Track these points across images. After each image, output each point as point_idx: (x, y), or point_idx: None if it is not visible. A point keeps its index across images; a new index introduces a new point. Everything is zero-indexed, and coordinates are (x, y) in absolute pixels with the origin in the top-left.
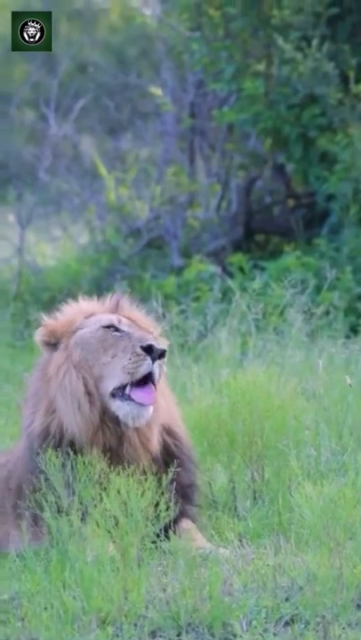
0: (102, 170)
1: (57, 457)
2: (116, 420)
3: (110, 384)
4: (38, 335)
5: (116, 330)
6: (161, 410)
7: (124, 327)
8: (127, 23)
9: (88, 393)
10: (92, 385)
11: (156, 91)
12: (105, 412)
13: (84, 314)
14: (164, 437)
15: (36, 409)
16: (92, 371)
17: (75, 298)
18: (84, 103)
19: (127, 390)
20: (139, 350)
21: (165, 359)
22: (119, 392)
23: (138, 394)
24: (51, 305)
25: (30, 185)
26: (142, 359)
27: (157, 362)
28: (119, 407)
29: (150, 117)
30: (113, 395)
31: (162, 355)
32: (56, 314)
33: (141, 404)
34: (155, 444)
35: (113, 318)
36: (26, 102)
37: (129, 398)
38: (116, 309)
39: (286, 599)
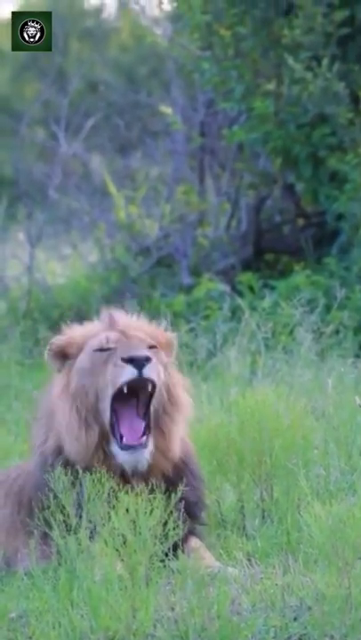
0: (112, 188)
1: (66, 475)
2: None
3: (104, 405)
4: (47, 355)
5: (106, 350)
6: (172, 440)
7: (111, 344)
8: (138, 42)
9: (85, 422)
10: (89, 412)
11: (167, 109)
12: (103, 437)
13: (86, 336)
14: None
15: (50, 427)
16: (88, 398)
17: (84, 316)
18: (95, 122)
19: (118, 428)
20: (119, 362)
21: (173, 357)
22: (112, 430)
23: (126, 430)
24: (60, 323)
25: (40, 203)
26: (121, 367)
27: (148, 366)
28: (117, 453)
29: (160, 136)
30: (113, 434)
31: (146, 359)
32: (63, 334)
33: (134, 448)
34: (166, 466)
35: (102, 339)
36: (36, 120)
37: (121, 441)
38: (110, 326)
39: (295, 619)
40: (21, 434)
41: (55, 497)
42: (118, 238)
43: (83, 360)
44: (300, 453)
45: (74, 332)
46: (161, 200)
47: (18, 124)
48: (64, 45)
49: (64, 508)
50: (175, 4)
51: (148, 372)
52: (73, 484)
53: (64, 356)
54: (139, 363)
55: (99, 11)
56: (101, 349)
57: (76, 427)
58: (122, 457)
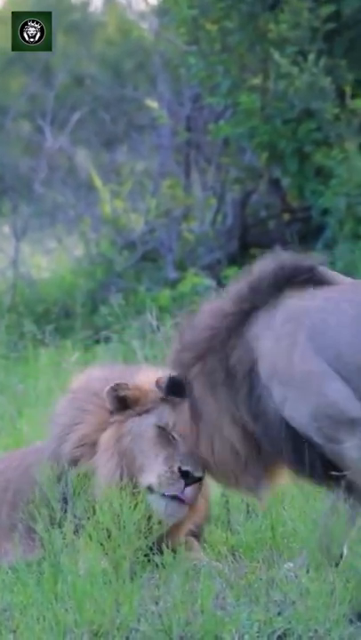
0: (98, 182)
1: (52, 470)
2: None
3: (144, 480)
4: (108, 394)
5: (167, 431)
6: (198, 510)
7: (175, 432)
8: (124, 36)
9: (122, 479)
10: (128, 474)
11: (153, 104)
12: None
13: (151, 396)
14: None
15: (68, 436)
16: (135, 462)
17: (69, 310)
18: (80, 116)
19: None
20: (176, 470)
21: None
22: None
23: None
24: (45, 317)
25: (26, 197)
26: (176, 480)
27: (190, 487)
28: (154, 500)
29: (146, 130)
30: (150, 489)
31: (197, 480)
32: (130, 382)
33: (177, 500)
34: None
35: (166, 418)
36: (22, 114)
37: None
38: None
39: (279, 613)
40: (6, 428)
41: (40, 491)
42: (104, 232)
43: (141, 427)
44: None
45: (142, 384)
46: (147, 194)
47: (3, 117)
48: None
49: (49, 502)
50: None
51: (191, 493)
52: (59, 478)
53: (125, 404)
54: (191, 480)
55: (85, 5)
56: (164, 430)
57: (113, 481)
58: (159, 504)
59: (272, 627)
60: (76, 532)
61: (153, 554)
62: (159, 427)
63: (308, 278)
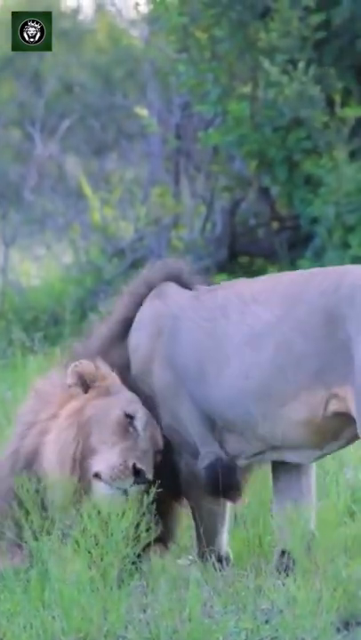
0: (87, 190)
1: (30, 480)
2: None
3: (95, 464)
4: (71, 370)
5: (132, 424)
6: None
7: (139, 425)
8: (114, 44)
9: (73, 458)
10: (80, 451)
11: (142, 112)
12: (82, 478)
13: (114, 380)
14: None
15: (29, 431)
16: (89, 440)
17: (58, 317)
18: (70, 123)
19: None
20: (130, 465)
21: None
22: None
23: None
24: (34, 324)
25: (15, 204)
26: (127, 476)
27: (136, 486)
28: (99, 488)
29: (136, 138)
30: (97, 475)
31: (146, 481)
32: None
33: (123, 493)
34: None
35: (137, 409)
36: (12, 121)
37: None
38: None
39: (266, 621)
40: None
41: (20, 502)
42: (93, 240)
43: (108, 409)
44: None
45: (105, 368)
46: (136, 202)
47: None
48: None
49: (28, 513)
50: (151, 7)
51: (137, 491)
52: (37, 490)
53: (85, 384)
54: (141, 480)
55: (75, 12)
56: (131, 420)
57: (67, 457)
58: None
59: (259, 635)
60: (63, 539)
61: (140, 561)
62: (126, 414)
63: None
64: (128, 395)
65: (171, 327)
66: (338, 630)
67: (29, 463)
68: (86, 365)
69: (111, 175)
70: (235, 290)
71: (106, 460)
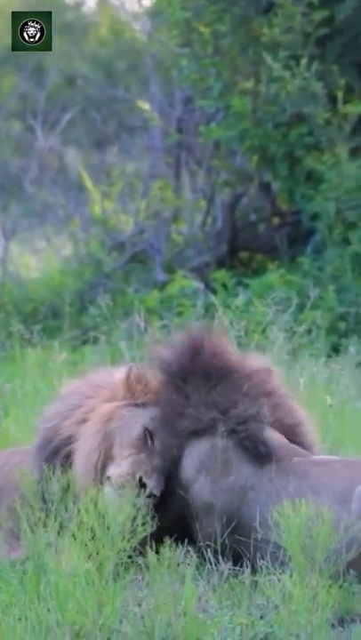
0: (88, 183)
1: (53, 470)
2: None
3: (111, 469)
4: (128, 370)
5: (150, 438)
6: None
7: (157, 442)
8: (117, 37)
9: (96, 466)
10: (102, 460)
11: (144, 105)
12: (100, 482)
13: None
14: None
15: (73, 412)
16: (112, 450)
17: (57, 310)
18: (72, 116)
19: None
20: (136, 478)
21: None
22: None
23: None
24: (33, 316)
25: (15, 196)
26: (132, 487)
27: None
28: (108, 492)
29: (137, 132)
30: (108, 479)
31: (152, 496)
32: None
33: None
34: None
35: (150, 422)
36: (13, 114)
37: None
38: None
39: (261, 617)
40: None
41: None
42: (93, 233)
43: (132, 422)
44: None
45: (154, 381)
46: (136, 196)
47: None
48: None
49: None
50: (154, 0)
51: (143, 504)
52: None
53: (131, 387)
54: (146, 494)
55: (78, 5)
56: (150, 435)
57: (91, 464)
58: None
59: (254, 630)
60: (60, 532)
61: (136, 555)
62: (146, 429)
63: None
64: (155, 412)
65: None
66: (333, 626)
67: (59, 448)
68: (140, 371)
69: (112, 168)
70: None
71: (118, 466)
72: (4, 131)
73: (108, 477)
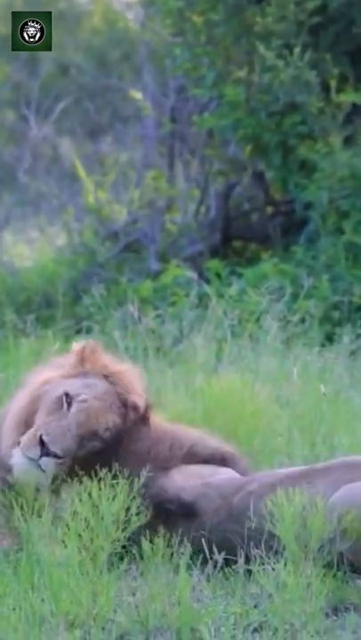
0: (81, 172)
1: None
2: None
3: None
4: (82, 348)
5: (68, 400)
6: None
7: (73, 406)
8: (110, 26)
9: (18, 426)
10: (25, 420)
11: (137, 94)
12: None
13: (109, 373)
14: None
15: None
16: (35, 414)
17: (51, 300)
18: (65, 105)
19: None
20: (37, 436)
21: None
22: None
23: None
24: (27, 306)
25: (9, 186)
26: (33, 446)
27: (46, 459)
28: (15, 455)
29: (130, 121)
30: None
31: (53, 455)
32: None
33: (35, 465)
34: None
35: (77, 389)
36: (6, 103)
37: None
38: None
39: (255, 606)
40: None
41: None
42: (87, 222)
43: (58, 385)
44: (265, 441)
45: (111, 359)
46: (130, 185)
47: None
48: None
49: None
50: None
51: (49, 466)
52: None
53: (82, 359)
54: (45, 452)
55: None
56: (69, 398)
57: (16, 421)
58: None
59: (248, 619)
60: (53, 522)
61: (130, 545)
62: (67, 394)
63: None
64: (92, 382)
65: None
66: (327, 616)
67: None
68: (92, 345)
69: (105, 158)
70: None
71: (32, 428)
72: None
73: (18, 442)
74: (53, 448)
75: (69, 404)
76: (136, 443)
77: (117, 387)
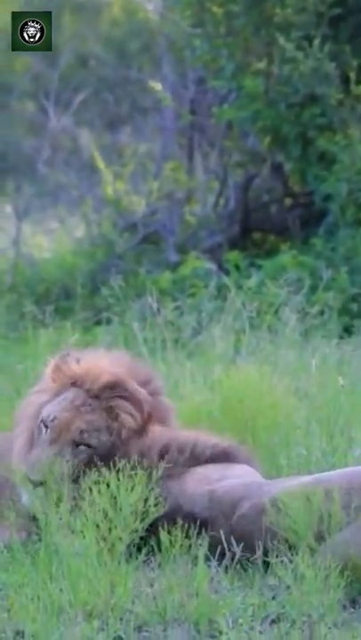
0: (100, 163)
1: None
2: None
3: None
4: (54, 362)
5: (45, 428)
6: None
7: (46, 433)
8: (129, 17)
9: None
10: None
11: (156, 86)
12: None
13: (75, 379)
14: None
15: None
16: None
17: (69, 291)
18: (84, 96)
19: None
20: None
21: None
22: None
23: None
24: (46, 297)
25: (28, 177)
26: (26, 482)
27: (39, 489)
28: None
29: (150, 112)
30: None
31: (41, 483)
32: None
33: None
34: None
35: (49, 411)
36: (26, 94)
37: None
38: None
39: (273, 598)
40: (4, 407)
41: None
42: (105, 214)
43: (38, 407)
44: (283, 433)
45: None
46: (149, 176)
47: (7, 97)
48: (56, 19)
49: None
50: None
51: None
52: None
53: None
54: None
55: None
56: (44, 425)
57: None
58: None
59: (266, 611)
60: (72, 512)
61: (148, 536)
62: (42, 421)
63: None
64: (63, 396)
65: None
66: (344, 608)
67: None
68: (57, 361)
69: (124, 149)
70: None
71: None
72: (18, 111)
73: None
74: (34, 477)
75: (47, 430)
76: (134, 453)
77: (85, 385)
